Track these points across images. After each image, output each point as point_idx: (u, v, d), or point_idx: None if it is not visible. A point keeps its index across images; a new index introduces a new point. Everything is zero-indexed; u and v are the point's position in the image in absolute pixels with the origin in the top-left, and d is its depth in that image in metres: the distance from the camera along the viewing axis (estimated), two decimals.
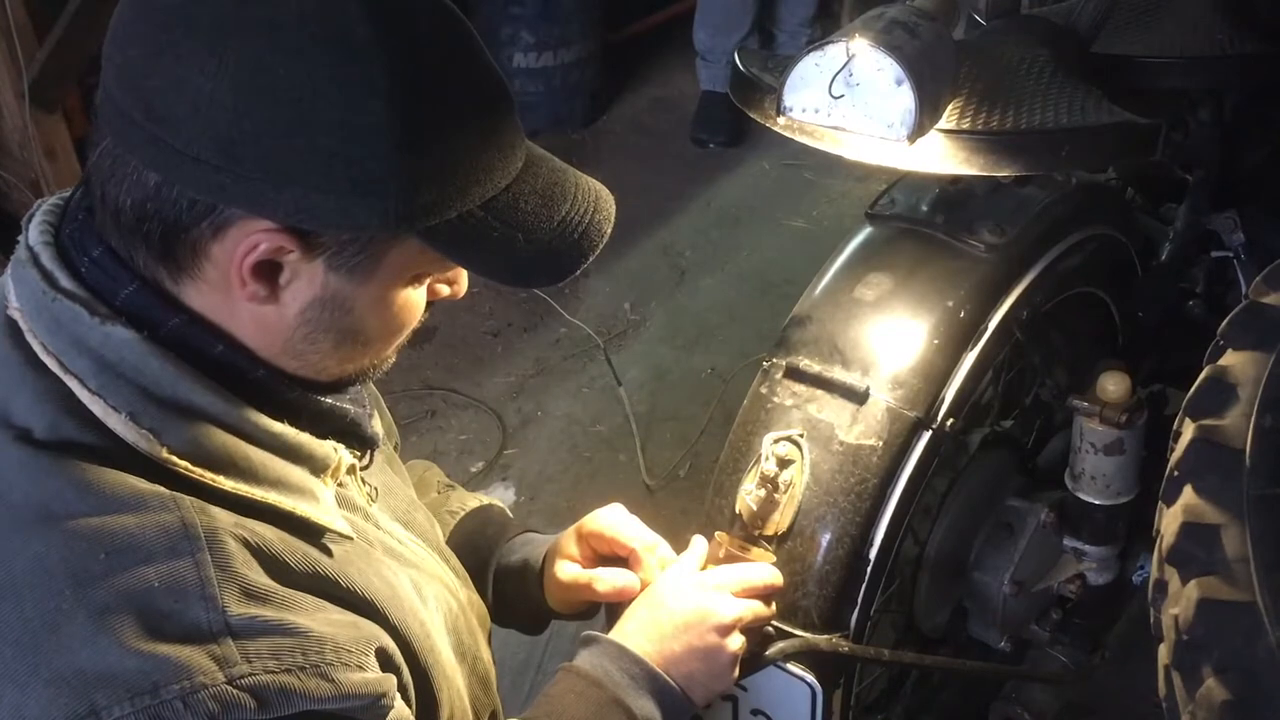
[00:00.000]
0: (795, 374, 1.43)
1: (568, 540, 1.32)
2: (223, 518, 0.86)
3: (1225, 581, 1.06)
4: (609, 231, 0.97)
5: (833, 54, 1.30)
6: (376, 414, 1.11)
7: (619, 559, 1.29)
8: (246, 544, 0.86)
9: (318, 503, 0.95)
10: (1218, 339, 1.24)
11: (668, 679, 1.16)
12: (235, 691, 0.81)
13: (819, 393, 1.41)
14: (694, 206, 3.81)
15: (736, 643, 1.21)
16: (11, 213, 3.17)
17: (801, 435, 1.38)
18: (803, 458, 1.37)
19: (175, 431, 0.86)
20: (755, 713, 1.35)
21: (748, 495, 1.35)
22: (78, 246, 0.90)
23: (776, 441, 1.37)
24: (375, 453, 1.09)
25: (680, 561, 1.28)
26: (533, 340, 3.22)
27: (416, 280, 0.95)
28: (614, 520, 1.30)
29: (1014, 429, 1.70)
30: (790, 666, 1.31)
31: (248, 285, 0.86)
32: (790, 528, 1.34)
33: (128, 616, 0.80)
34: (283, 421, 0.93)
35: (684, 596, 1.21)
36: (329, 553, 0.95)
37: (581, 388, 3.06)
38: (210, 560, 0.83)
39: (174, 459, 0.85)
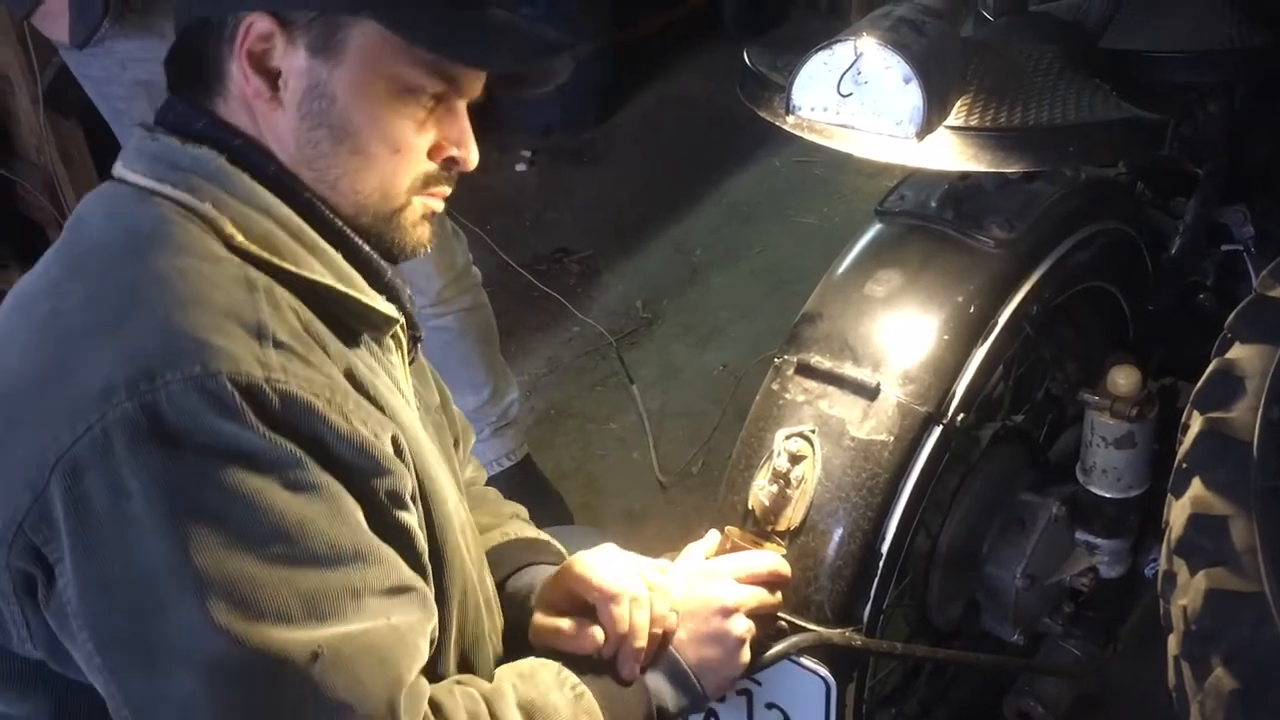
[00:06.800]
0: (806, 370, 1.44)
1: (550, 583, 1.27)
2: (280, 290, 0.98)
3: (1233, 572, 1.07)
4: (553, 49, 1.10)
5: (841, 52, 1.31)
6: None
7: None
8: (297, 314, 0.98)
9: (366, 293, 1.06)
10: (1225, 332, 1.25)
11: (679, 659, 1.17)
12: (269, 389, 0.91)
13: (830, 389, 1.42)
14: (705, 204, 3.82)
15: (742, 626, 1.21)
16: (28, 217, 3.19)
17: (813, 431, 1.39)
18: (814, 453, 1.37)
19: (248, 223, 1.00)
20: (770, 706, 1.36)
21: (760, 491, 1.36)
22: (163, 110, 1.09)
23: (788, 438, 1.38)
24: (419, 347, 1.20)
25: (687, 552, 1.29)
26: (545, 339, 3.24)
27: (406, 92, 1.04)
28: (586, 568, 1.22)
29: (1025, 423, 1.70)
30: (804, 660, 1.31)
31: (250, 80, 1.02)
32: (803, 523, 1.35)
33: (190, 316, 0.91)
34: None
35: (685, 586, 1.22)
36: (367, 370, 1.04)
37: (594, 385, 3.07)
38: (265, 301, 0.96)
39: (245, 242, 0.98)
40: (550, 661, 1.12)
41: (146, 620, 0.88)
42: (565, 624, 1.19)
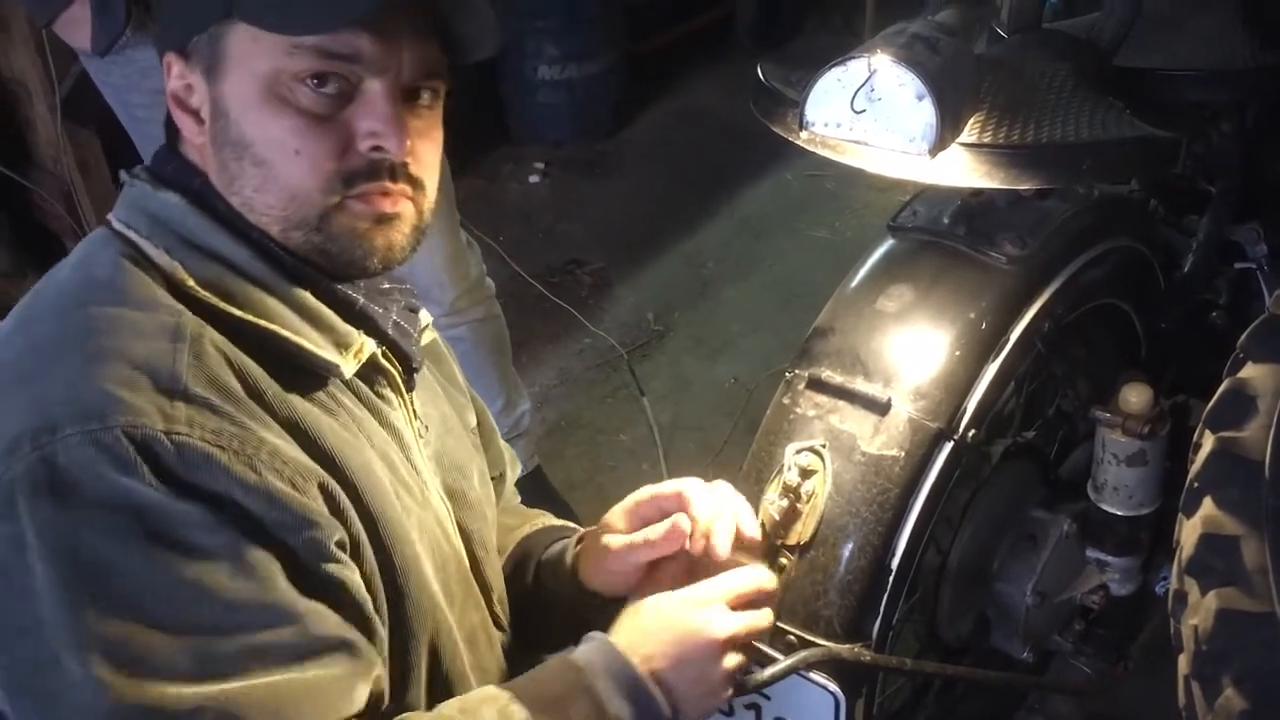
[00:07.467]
0: (817, 385, 1.44)
1: (614, 515, 1.27)
2: (216, 336, 0.97)
3: (1244, 592, 1.07)
4: None
5: (854, 69, 1.32)
6: (418, 335, 1.18)
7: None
8: (229, 362, 0.97)
9: (319, 342, 1.03)
10: (1238, 351, 1.25)
11: (649, 686, 1.09)
12: (167, 441, 0.90)
13: (841, 403, 1.42)
14: (717, 217, 3.83)
15: (731, 661, 1.14)
16: (45, 226, 3.20)
17: (824, 446, 1.39)
18: (825, 468, 1.38)
19: (200, 268, 1.00)
20: None
21: (770, 505, 1.36)
22: (153, 156, 1.11)
23: (799, 452, 1.38)
24: (416, 375, 1.17)
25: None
26: (556, 351, 3.24)
27: (295, 87, 0.99)
28: (656, 488, 1.24)
29: (1036, 440, 1.70)
30: (813, 675, 1.31)
31: (182, 120, 1.05)
32: (813, 537, 1.35)
33: (101, 369, 0.92)
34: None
35: (672, 615, 1.14)
36: (320, 412, 1.02)
37: (605, 397, 3.08)
38: (188, 352, 0.95)
39: (195, 287, 0.99)
40: (501, 693, 1.05)
41: (44, 671, 0.88)
42: (653, 532, 1.19)
